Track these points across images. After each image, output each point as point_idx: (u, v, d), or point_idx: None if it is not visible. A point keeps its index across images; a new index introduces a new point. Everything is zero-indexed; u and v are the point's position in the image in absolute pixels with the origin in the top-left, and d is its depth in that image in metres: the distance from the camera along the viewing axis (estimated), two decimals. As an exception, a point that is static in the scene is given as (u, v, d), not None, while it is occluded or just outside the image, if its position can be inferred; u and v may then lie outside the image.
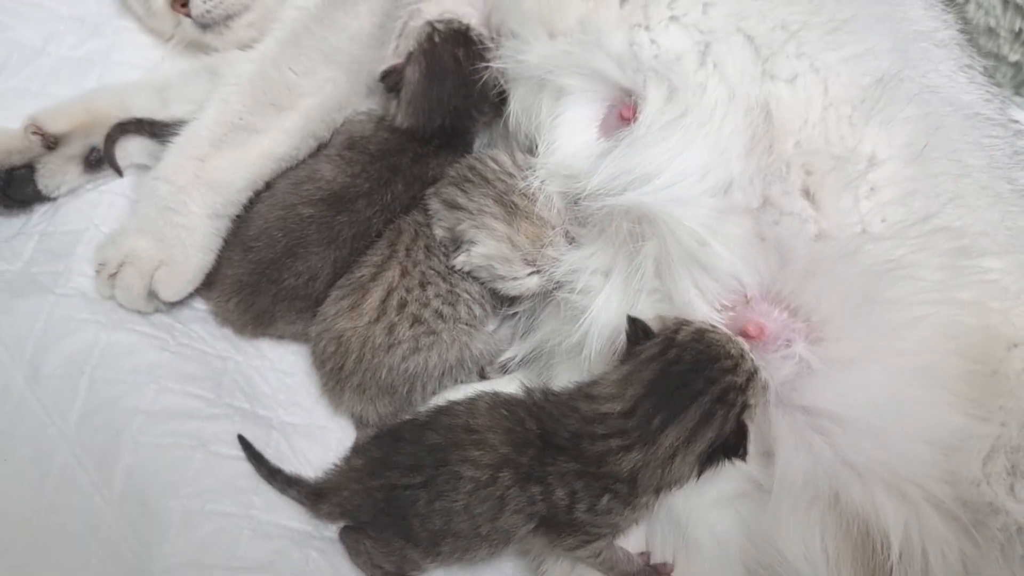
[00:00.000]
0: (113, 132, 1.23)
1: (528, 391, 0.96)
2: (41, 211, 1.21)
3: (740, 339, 0.92)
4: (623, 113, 1.04)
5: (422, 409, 1.03)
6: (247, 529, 1.00)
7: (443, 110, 1.18)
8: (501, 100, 1.18)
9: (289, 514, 1.03)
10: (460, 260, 1.09)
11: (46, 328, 1.08)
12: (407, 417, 1.04)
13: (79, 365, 1.06)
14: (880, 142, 0.97)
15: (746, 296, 0.97)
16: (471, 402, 0.96)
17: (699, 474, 0.90)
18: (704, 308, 0.97)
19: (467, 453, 0.91)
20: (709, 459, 0.88)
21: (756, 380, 0.89)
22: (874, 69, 0.98)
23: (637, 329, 0.93)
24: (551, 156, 1.06)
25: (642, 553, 0.99)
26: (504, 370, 1.17)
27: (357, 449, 1.06)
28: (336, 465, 1.02)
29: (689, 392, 0.87)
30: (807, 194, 0.96)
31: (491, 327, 1.19)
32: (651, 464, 0.87)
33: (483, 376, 1.17)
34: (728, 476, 0.95)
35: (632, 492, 0.89)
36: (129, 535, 0.97)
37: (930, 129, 0.96)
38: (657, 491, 0.91)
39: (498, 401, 0.95)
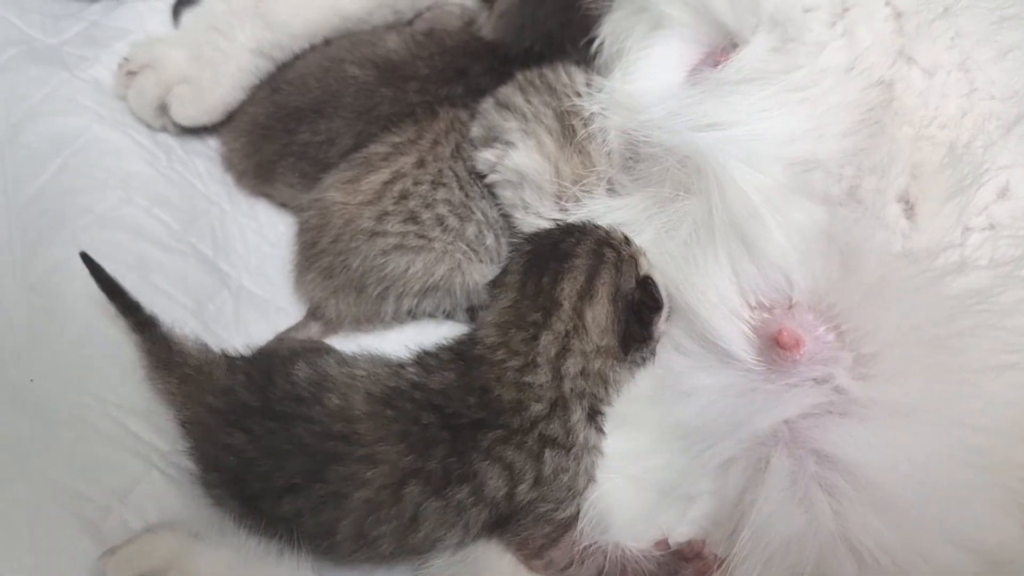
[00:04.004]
0: None
1: (399, 369, 0.77)
2: (103, 4, 1.14)
3: None
4: (719, 62, 0.88)
5: (301, 372, 0.76)
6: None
7: (536, 32, 1.05)
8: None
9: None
10: (486, 156, 0.93)
11: (45, 99, 1.01)
12: (287, 372, 0.76)
13: (59, 146, 0.98)
14: (1018, 170, 0.76)
15: (790, 299, 0.77)
16: (347, 388, 0.74)
17: (624, 346, 0.76)
18: (734, 298, 0.78)
19: (353, 471, 0.70)
20: (627, 323, 0.76)
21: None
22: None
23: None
24: (624, 84, 0.91)
25: (658, 543, 0.78)
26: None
27: (232, 363, 0.81)
28: (207, 350, 0.81)
29: (570, 242, 0.78)
30: (905, 201, 0.76)
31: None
32: (566, 337, 0.74)
33: (473, 319, 1.00)
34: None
35: (564, 414, 0.74)
36: (22, 325, 0.87)
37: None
38: (591, 403, 0.76)
39: (377, 394, 0.74)
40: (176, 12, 1.15)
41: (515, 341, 0.75)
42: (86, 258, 0.84)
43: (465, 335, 0.79)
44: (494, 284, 0.80)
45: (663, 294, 0.78)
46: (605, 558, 0.76)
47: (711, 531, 0.80)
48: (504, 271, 0.80)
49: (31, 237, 0.91)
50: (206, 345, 0.82)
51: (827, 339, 0.76)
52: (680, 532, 0.80)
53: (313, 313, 0.98)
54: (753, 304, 0.78)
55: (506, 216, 0.97)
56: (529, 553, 0.77)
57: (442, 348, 0.79)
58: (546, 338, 0.74)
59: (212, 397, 0.77)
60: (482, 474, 0.71)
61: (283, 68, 1.05)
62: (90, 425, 0.82)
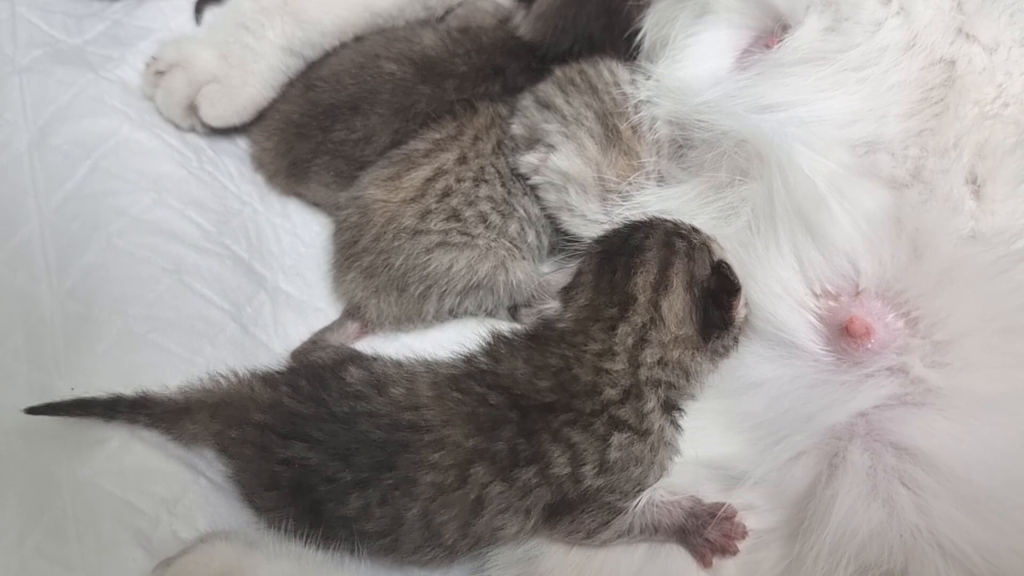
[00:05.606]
0: None
1: (469, 359, 0.77)
2: (125, 3, 1.12)
3: None
4: (769, 44, 0.86)
5: (355, 374, 0.76)
6: (185, 375, 0.84)
7: (575, 34, 1.02)
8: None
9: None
10: (528, 160, 0.91)
11: (72, 101, 0.98)
12: (339, 377, 0.76)
13: (88, 148, 0.95)
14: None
15: (857, 286, 0.75)
16: (409, 381, 0.74)
17: (704, 334, 0.73)
18: (798, 287, 0.76)
19: (422, 457, 0.70)
20: (705, 310, 0.73)
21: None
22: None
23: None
24: (672, 71, 0.88)
25: (689, 496, 0.77)
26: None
27: (269, 377, 0.79)
28: (229, 376, 0.78)
29: (639, 236, 0.76)
30: (972, 181, 0.74)
31: (546, 268, 1.00)
32: (643, 328, 0.72)
33: (514, 317, 0.98)
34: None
35: (637, 403, 0.71)
36: (59, 332, 0.84)
37: None
38: (667, 394, 0.73)
39: (442, 379, 0.74)
40: (198, 9, 1.13)
41: (593, 330, 0.73)
42: (34, 409, 0.75)
43: (541, 324, 0.77)
44: (567, 289, 0.77)
45: (738, 276, 0.75)
46: (645, 515, 0.75)
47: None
48: (577, 273, 0.78)
49: (64, 242, 0.89)
50: (231, 371, 0.79)
51: (896, 326, 0.73)
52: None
53: (351, 313, 0.95)
54: (818, 292, 0.76)
55: (550, 216, 0.95)
56: (582, 536, 0.75)
57: (517, 332, 0.78)
58: (623, 330, 0.72)
59: (259, 414, 0.75)
60: (549, 455, 0.70)
61: (314, 66, 1.03)
62: (133, 433, 0.79)
